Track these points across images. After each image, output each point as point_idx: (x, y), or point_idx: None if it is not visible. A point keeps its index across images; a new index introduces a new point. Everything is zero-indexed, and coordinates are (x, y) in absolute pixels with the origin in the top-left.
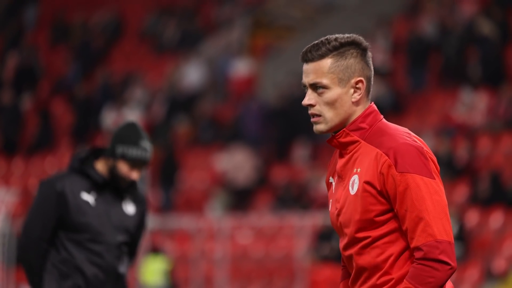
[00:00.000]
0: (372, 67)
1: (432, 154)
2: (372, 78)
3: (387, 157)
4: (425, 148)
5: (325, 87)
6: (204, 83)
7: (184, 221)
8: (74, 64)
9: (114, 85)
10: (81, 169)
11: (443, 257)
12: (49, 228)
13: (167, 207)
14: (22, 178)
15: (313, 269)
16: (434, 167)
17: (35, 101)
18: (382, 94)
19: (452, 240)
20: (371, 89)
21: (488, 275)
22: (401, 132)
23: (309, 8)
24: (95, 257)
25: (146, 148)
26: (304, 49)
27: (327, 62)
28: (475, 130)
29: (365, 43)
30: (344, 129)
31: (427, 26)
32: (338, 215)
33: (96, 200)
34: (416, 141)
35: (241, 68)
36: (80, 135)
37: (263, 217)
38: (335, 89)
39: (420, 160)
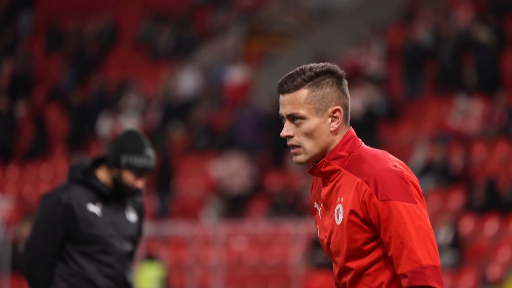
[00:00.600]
0: (348, 95)
1: (414, 176)
2: (349, 105)
3: (367, 186)
4: (405, 172)
5: (302, 117)
6: (199, 90)
7: (179, 228)
8: (69, 71)
9: (109, 92)
10: (85, 180)
11: (430, 282)
12: (56, 241)
13: (162, 214)
14: (17, 185)
15: (308, 276)
16: (415, 191)
17: (30, 108)
18: (377, 101)
19: (438, 263)
20: (349, 116)
21: (483, 282)
22: (380, 157)
23: (304, 15)
24: (106, 268)
25: (150, 156)
26: (279, 80)
27: (303, 92)
28: (470, 137)
29: (340, 71)
30: (324, 158)
31: (422, 33)
32: (328, 244)
33: (102, 210)
34: (396, 166)
35: (236, 75)
36: (75, 142)
37: (258, 224)
38: (312, 119)
39: (401, 186)
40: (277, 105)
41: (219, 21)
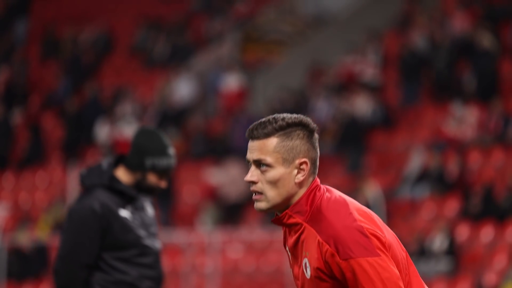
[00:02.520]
0: (318, 150)
1: (376, 226)
2: (318, 160)
3: (328, 246)
4: (366, 225)
5: (268, 165)
6: (195, 98)
7: (175, 235)
8: (65, 78)
9: (105, 99)
10: (111, 185)
11: None
12: (94, 253)
13: (160, 222)
14: (12, 193)
15: None
16: (378, 243)
17: (26, 116)
18: (373, 109)
19: None
20: (316, 171)
21: None
22: (340, 212)
23: (300, 22)
24: (147, 270)
25: (172, 154)
26: (250, 126)
27: (272, 141)
28: (466, 144)
29: (312, 124)
30: (287, 211)
31: (418, 40)
32: None
33: (131, 213)
34: (355, 220)
35: (231, 82)
36: (70, 150)
37: (254, 232)
38: (278, 169)
39: (361, 241)
40: (273, 111)
41: (214, 28)
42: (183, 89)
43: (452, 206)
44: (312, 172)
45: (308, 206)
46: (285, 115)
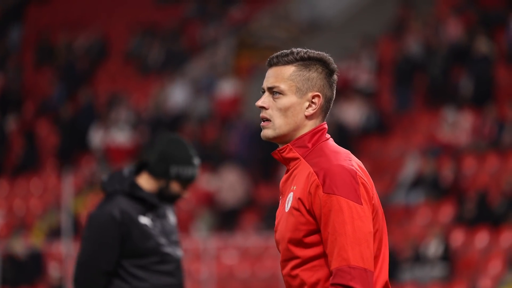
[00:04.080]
0: (334, 91)
1: (369, 182)
2: (332, 100)
3: (316, 177)
4: (360, 173)
5: (281, 92)
6: (189, 104)
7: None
8: (59, 85)
9: (99, 106)
10: (131, 192)
11: (353, 284)
12: (113, 260)
13: None
14: (7, 200)
15: None
16: (365, 194)
17: (20, 122)
18: (367, 114)
19: (370, 268)
20: (328, 111)
21: None
22: (340, 154)
23: (294, 28)
24: (167, 277)
25: (197, 164)
26: (271, 55)
27: (290, 69)
28: (461, 150)
29: (333, 65)
30: (289, 144)
31: (412, 46)
32: (275, 231)
33: (152, 220)
34: (352, 165)
35: (226, 88)
36: (65, 156)
37: (249, 237)
38: (290, 97)
39: (350, 184)
40: None
41: (209, 34)
42: (177, 95)
43: (446, 211)
44: (323, 111)
45: (310, 144)
46: (308, 50)
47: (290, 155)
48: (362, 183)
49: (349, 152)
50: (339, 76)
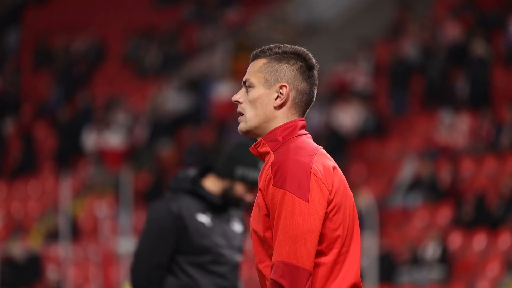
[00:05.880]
0: (310, 85)
1: (330, 183)
2: (307, 93)
3: (271, 169)
4: (317, 170)
5: (251, 85)
6: (187, 107)
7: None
8: (57, 88)
9: (97, 109)
10: (193, 190)
11: (281, 281)
12: (167, 253)
13: None
14: (5, 202)
15: None
16: (318, 191)
17: (18, 125)
18: (365, 117)
19: (304, 266)
20: (306, 107)
21: None
22: (304, 150)
23: (291, 31)
24: (220, 279)
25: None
26: None
27: (261, 61)
28: (458, 152)
29: (311, 60)
30: (262, 138)
31: (409, 48)
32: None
33: (211, 220)
34: (312, 161)
35: (223, 91)
36: (63, 159)
37: (248, 239)
38: (259, 89)
39: (300, 179)
40: None
41: (206, 37)
42: (175, 98)
43: (444, 214)
44: (295, 104)
45: (281, 137)
46: (287, 45)
47: (263, 149)
48: (316, 181)
49: (319, 150)
50: (336, 79)
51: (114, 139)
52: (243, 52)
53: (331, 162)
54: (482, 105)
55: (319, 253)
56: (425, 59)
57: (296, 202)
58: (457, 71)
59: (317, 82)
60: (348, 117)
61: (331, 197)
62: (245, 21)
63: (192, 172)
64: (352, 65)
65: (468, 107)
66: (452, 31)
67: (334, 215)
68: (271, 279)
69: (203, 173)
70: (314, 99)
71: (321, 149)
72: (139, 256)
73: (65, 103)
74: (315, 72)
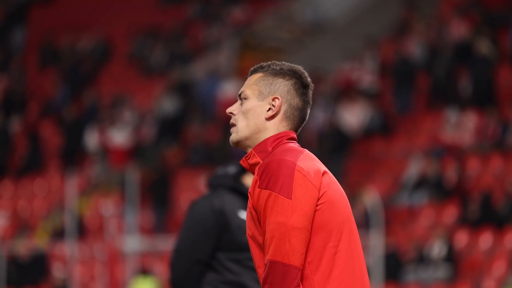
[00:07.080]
0: (305, 102)
1: (317, 181)
2: (302, 112)
3: (257, 173)
4: (302, 167)
5: (245, 97)
6: (193, 105)
7: (171, 242)
8: (63, 86)
9: (103, 107)
10: (235, 187)
11: (269, 279)
12: (208, 249)
13: (157, 229)
14: (11, 201)
15: None
16: (301, 189)
17: (24, 124)
18: (371, 116)
19: (290, 262)
20: (300, 123)
21: None
22: (290, 151)
23: (297, 29)
24: (256, 275)
25: None
26: None
27: (257, 75)
28: (464, 151)
29: (306, 78)
30: (252, 149)
31: (415, 47)
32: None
33: None
34: (295, 161)
35: (229, 89)
36: (69, 158)
37: None
38: (252, 100)
39: (284, 178)
40: None
41: (212, 36)
42: (180, 97)
43: (450, 212)
44: (287, 117)
45: (271, 148)
46: (286, 63)
47: (253, 160)
48: (301, 177)
49: (305, 153)
50: (342, 78)
51: (120, 138)
52: (249, 50)
53: (321, 166)
54: (488, 103)
55: (314, 247)
56: (431, 58)
57: (279, 201)
58: (463, 70)
59: (311, 102)
60: (353, 115)
61: (321, 193)
62: (251, 19)
63: (232, 169)
64: (358, 64)
65: (474, 105)
66: (458, 30)
67: (326, 208)
68: (262, 278)
69: (243, 170)
70: (307, 119)
71: (309, 153)
72: (180, 251)
73: (71, 102)
74: (310, 92)
